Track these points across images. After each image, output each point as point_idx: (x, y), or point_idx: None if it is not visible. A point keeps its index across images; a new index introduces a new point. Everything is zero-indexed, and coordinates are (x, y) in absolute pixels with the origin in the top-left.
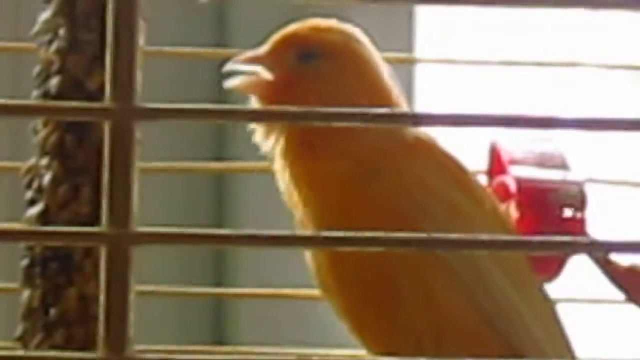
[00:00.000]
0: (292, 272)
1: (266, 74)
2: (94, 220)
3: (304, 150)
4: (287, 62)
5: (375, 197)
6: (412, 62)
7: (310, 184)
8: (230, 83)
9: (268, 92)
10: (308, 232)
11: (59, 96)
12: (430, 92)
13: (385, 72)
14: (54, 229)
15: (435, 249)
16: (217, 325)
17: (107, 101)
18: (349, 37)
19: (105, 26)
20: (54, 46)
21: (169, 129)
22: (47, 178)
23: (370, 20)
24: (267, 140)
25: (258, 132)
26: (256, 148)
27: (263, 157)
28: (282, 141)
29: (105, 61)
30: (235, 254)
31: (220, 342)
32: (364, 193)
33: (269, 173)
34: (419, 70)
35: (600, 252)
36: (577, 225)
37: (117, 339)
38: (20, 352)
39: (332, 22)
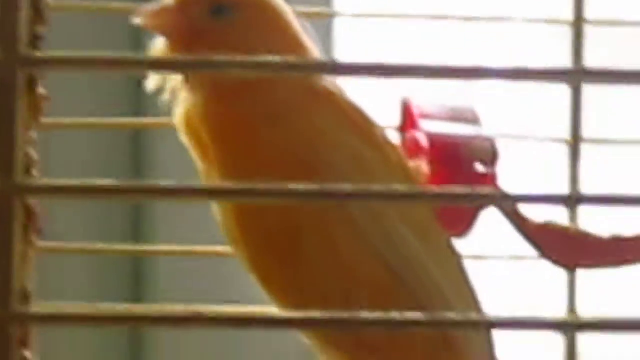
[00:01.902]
0: (209, 228)
1: (175, 20)
2: None
3: (210, 99)
4: (198, 13)
5: (278, 146)
6: (331, 16)
7: (215, 130)
8: (139, 21)
9: (177, 37)
10: (210, 184)
11: None
12: (350, 47)
13: (297, 24)
14: None
15: (335, 200)
16: (135, 282)
17: None
18: None
19: None
20: None
21: (84, 87)
22: None
23: None
24: (170, 91)
25: (158, 82)
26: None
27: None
28: (187, 91)
29: None
30: (153, 212)
31: (138, 300)
32: (268, 141)
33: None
34: (338, 25)
35: (506, 204)
36: (489, 181)
37: (2, 293)
38: None
39: None
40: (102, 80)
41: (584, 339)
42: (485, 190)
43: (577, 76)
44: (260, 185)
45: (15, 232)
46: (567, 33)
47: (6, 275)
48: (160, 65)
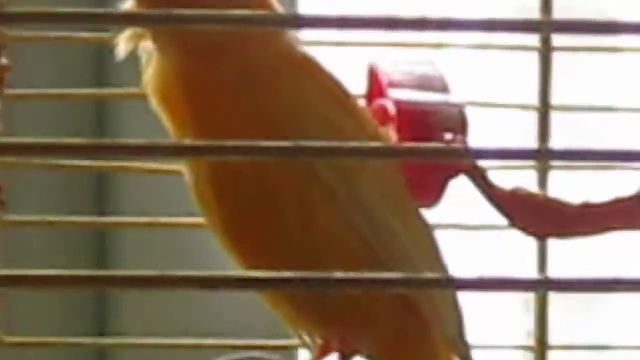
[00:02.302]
0: (173, 199)
1: None
2: None
3: (182, 60)
4: None
5: (253, 108)
6: None
7: (188, 93)
8: None
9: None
10: (183, 141)
11: None
12: (313, 4)
13: None
14: None
15: (306, 155)
16: (100, 256)
17: None
18: None
19: None
20: None
21: (47, 55)
22: None
23: None
24: (138, 48)
25: (124, 45)
26: (136, 72)
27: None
28: (158, 47)
29: None
30: (116, 181)
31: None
32: (242, 103)
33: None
34: None
35: (475, 170)
36: None
37: None
38: None
39: None
40: (64, 49)
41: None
42: (453, 148)
43: (547, 27)
44: (231, 142)
45: None
46: None
47: None
48: (125, 19)
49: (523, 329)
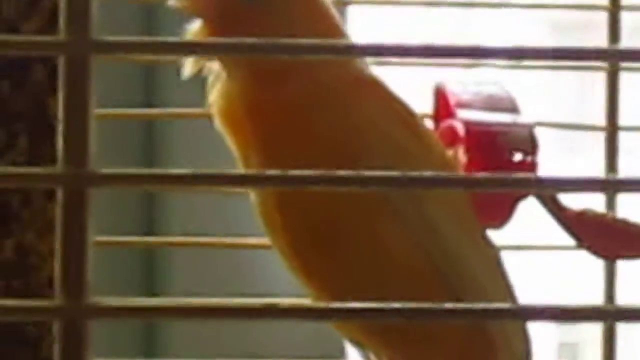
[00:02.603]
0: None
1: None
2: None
3: (250, 84)
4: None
5: (321, 133)
6: (344, 3)
7: (255, 115)
8: (172, 2)
9: (213, 19)
10: (252, 170)
11: None
12: (362, 34)
13: (332, 6)
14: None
15: (375, 187)
16: (149, 276)
17: (61, 34)
18: None
19: None
20: None
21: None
22: None
23: None
24: (204, 75)
25: (191, 66)
26: (188, 93)
27: (195, 103)
28: (225, 74)
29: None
30: (166, 204)
31: (152, 293)
32: (311, 128)
33: (201, 119)
34: (352, 11)
35: (544, 191)
36: (528, 170)
37: (76, 285)
38: None
39: None
40: (112, 70)
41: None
42: (522, 175)
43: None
44: (299, 173)
45: (88, 222)
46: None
47: (80, 267)
48: (204, 48)
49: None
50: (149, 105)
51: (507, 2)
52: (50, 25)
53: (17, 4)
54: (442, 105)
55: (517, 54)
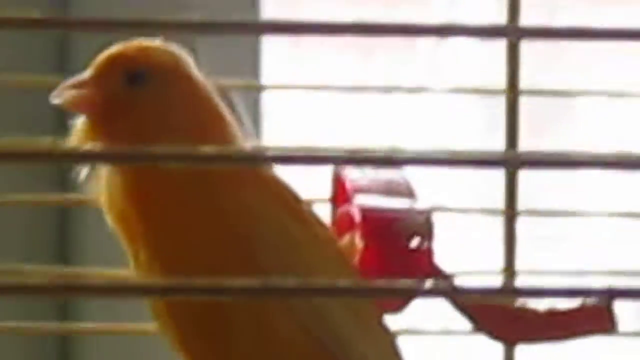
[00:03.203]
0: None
1: (91, 95)
2: None
3: (131, 171)
4: (114, 84)
5: (207, 220)
6: (258, 89)
7: (138, 206)
8: (57, 102)
9: (96, 112)
10: (142, 280)
11: None
12: (278, 118)
13: (214, 94)
14: None
15: (275, 297)
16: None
17: None
18: (176, 58)
19: None
20: None
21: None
22: None
23: (216, 46)
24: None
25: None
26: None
27: None
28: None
29: None
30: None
31: None
32: (195, 214)
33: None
34: (266, 97)
35: (447, 295)
36: (424, 256)
37: None
38: None
39: (158, 43)
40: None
41: None
42: (421, 276)
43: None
44: (196, 282)
45: None
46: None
47: None
48: (88, 157)
49: None
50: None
51: None
52: None
53: None
54: (340, 190)
55: (428, 162)
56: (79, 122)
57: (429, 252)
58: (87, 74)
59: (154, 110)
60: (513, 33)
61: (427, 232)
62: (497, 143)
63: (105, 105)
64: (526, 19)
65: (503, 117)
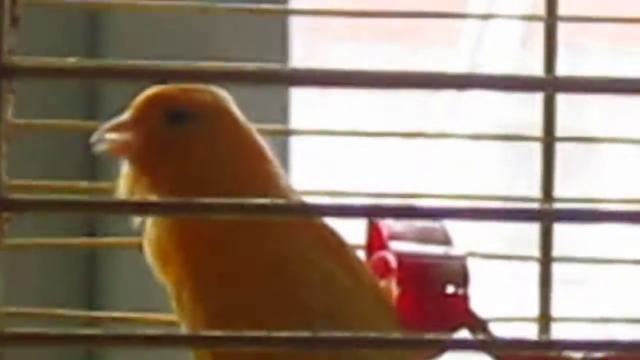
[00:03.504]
0: None
1: (132, 138)
2: None
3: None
4: (155, 125)
5: (252, 265)
6: (287, 133)
7: (184, 248)
8: (98, 148)
9: (139, 155)
10: (187, 332)
11: None
12: (307, 163)
13: (255, 132)
14: None
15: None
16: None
17: None
18: (217, 97)
19: None
20: None
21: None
22: None
23: (245, 90)
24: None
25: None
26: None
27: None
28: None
29: None
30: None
31: None
32: (241, 259)
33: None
34: (295, 142)
35: (494, 350)
36: (460, 302)
37: None
38: None
39: (198, 84)
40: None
41: None
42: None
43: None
44: (246, 334)
45: None
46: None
47: None
48: (140, 208)
49: None
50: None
51: None
52: None
53: None
54: (375, 236)
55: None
56: (124, 168)
57: (464, 298)
58: (126, 115)
59: (198, 148)
60: (551, 86)
61: (462, 278)
62: (518, 187)
63: (146, 147)
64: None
65: (517, 160)
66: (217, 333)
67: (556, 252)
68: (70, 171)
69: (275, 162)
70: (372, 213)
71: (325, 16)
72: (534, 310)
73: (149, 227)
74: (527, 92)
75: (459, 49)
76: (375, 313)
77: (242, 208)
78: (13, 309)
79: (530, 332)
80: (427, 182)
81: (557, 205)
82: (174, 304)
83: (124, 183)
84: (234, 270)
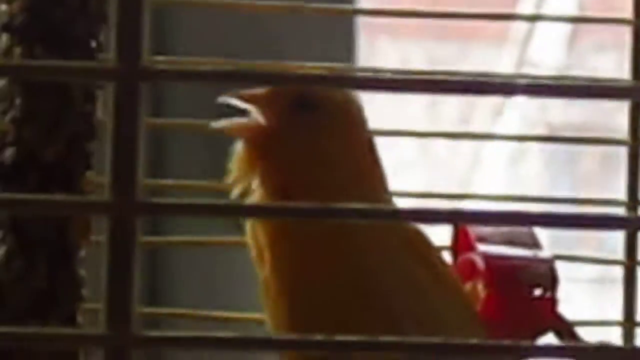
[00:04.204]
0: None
1: (259, 119)
2: (51, 296)
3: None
4: (281, 108)
5: (341, 270)
6: None
7: (275, 246)
8: (220, 124)
9: (257, 137)
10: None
11: (14, 167)
12: None
13: (373, 140)
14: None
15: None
16: None
17: (112, 61)
18: (347, 96)
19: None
20: (9, 116)
21: None
22: (1, 251)
23: None
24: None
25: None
26: None
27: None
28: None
29: (60, 130)
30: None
31: None
32: (330, 264)
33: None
34: None
35: (560, 317)
36: (547, 305)
37: (123, 317)
38: None
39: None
40: None
41: None
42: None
43: None
44: (323, 338)
45: (136, 253)
46: None
47: (127, 297)
48: (251, 211)
49: None
50: None
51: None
52: (69, 151)
53: (36, 130)
54: (462, 238)
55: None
56: (238, 149)
57: (552, 301)
58: (258, 91)
59: (312, 141)
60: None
61: (550, 281)
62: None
63: (267, 129)
64: None
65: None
66: (306, 337)
67: None
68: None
69: (383, 172)
70: (458, 219)
71: (383, 16)
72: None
73: (249, 222)
74: (614, 99)
75: (507, 47)
76: (459, 318)
77: (337, 212)
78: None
79: (614, 337)
80: (469, 181)
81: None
82: (262, 298)
83: (236, 165)
84: (321, 270)
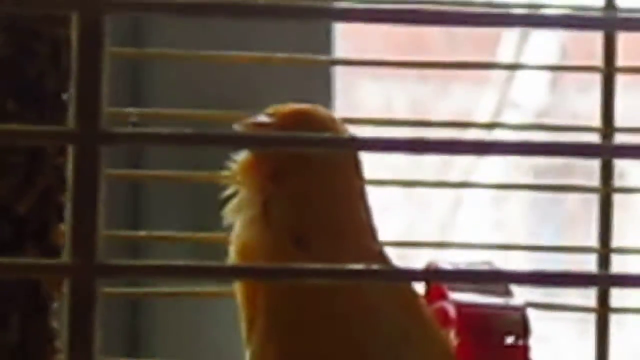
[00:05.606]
0: None
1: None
2: (24, 351)
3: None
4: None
5: (328, 313)
6: None
7: (261, 289)
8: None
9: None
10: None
11: None
12: None
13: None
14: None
15: None
16: None
17: (71, 124)
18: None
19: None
20: None
21: None
22: None
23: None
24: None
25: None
26: None
27: None
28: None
29: (34, 184)
30: None
31: None
32: (319, 306)
33: None
34: None
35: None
36: (519, 353)
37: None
38: None
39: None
40: None
41: None
42: None
43: None
44: None
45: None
46: None
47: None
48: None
49: None
50: None
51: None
52: (41, 206)
53: (8, 184)
54: (435, 286)
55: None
56: (240, 157)
57: (524, 349)
58: (268, 117)
59: (314, 184)
60: None
61: (522, 329)
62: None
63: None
64: None
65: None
66: None
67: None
68: None
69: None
70: (434, 277)
71: (365, 66)
72: None
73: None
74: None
75: (489, 87)
76: None
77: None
78: None
79: None
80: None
81: None
82: (245, 344)
83: (237, 170)
84: (306, 318)
